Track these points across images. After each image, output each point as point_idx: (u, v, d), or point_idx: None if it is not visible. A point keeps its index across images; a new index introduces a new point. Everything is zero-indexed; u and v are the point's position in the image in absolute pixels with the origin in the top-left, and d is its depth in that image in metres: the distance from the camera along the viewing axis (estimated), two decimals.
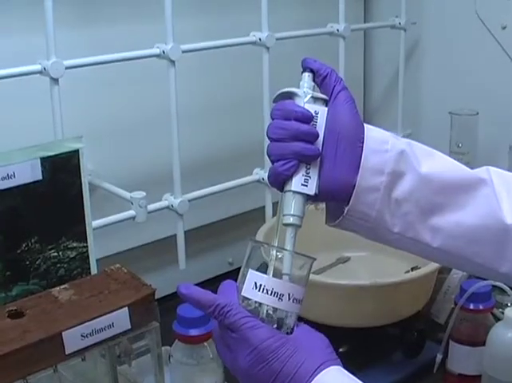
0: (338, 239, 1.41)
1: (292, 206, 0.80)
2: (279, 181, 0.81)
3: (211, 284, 1.44)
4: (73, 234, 1.00)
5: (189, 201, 1.26)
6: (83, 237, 1.01)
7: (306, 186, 0.80)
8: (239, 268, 1.37)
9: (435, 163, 0.84)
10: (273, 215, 1.42)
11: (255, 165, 1.40)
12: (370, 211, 0.82)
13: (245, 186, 1.39)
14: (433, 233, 0.83)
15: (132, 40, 1.20)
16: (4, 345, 0.81)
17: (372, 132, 0.82)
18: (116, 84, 1.25)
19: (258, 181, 1.40)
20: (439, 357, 1.23)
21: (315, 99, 0.83)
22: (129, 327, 0.88)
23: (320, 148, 0.81)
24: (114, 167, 1.26)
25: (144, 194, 1.16)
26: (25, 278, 0.96)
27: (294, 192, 0.80)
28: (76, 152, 0.98)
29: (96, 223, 1.08)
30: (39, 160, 0.95)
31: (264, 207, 1.41)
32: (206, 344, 1.11)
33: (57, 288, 0.91)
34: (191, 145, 1.33)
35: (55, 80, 1.07)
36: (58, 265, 0.99)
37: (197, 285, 1.24)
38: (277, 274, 0.77)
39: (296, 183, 0.80)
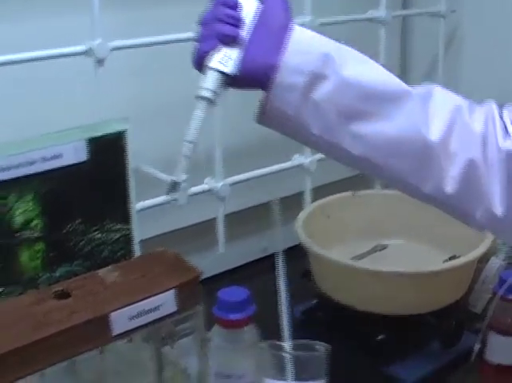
0: (375, 227, 1.41)
1: (207, 80, 0.81)
2: (200, 60, 0.83)
3: (247, 269, 1.45)
4: (117, 215, 0.99)
5: (230, 185, 1.24)
6: (126, 219, 0.99)
7: (225, 65, 0.81)
8: (273, 254, 1.36)
9: (363, 70, 0.81)
10: (313, 201, 1.41)
11: (295, 151, 1.38)
12: (288, 109, 0.81)
13: (284, 171, 1.38)
14: (353, 139, 0.82)
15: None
16: (51, 325, 0.79)
17: (299, 32, 0.82)
18: (158, 66, 1.23)
19: (298, 167, 1.38)
20: (477, 346, 1.20)
21: None
22: (175, 310, 0.87)
23: (244, 33, 0.82)
24: (155, 150, 1.24)
25: (186, 177, 1.14)
26: (68, 260, 0.95)
27: (212, 68, 0.81)
28: (122, 133, 0.97)
29: (138, 205, 1.07)
30: (85, 141, 0.94)
31: (303, 192, 1.40)
32: (245, 329, 1.10)
33: (103, 269, 0.90)
34: (233, 130, 1.31)
35: (100, 61, 1.05)
36: (102, 246, 0.98)
37: (233, 270, 1.24)
38: None
39: (214, 60, 0.81)
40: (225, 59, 0.81)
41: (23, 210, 0.91)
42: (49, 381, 0.80)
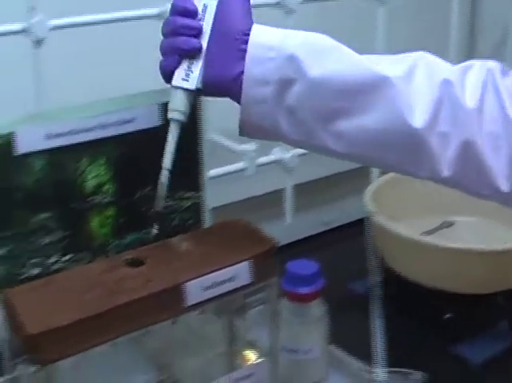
0: (442, 203, 1.37)
1: (173, 100, 0.80)
2: (165, 77, 0.80)
3: (308, 243, 1.41)
4: (188, 183, 0.96)
5: (298, 156, 1.21)
6: (198, 187, 0.97)
7: (187, 81, 0.79)
8: (334, 229, 1.32)
9: (330, 65, 0.75)
10: (381, 174, 1.37)
11: None
12: (263, 122, 0.77)
13: None
14: (335, 139, 0.77)
15: None
16: (126, 293, 0.77)
17: (258, 37, 0.77)
18: None
19: None
20: None
21: None
22: (249, 281, 0.84)
23: (205, 44, 0.78)
24: (224, 119, 1.21)
25: (255, 147, 1.11)
26: (138, 227, 0.93)
27: (175, 87, 0.79)
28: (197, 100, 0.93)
29: (208, 173, 1.04)
30: (158, 106, 0.91)
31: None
32: (313, 303, 1.07)
33: (175, 238, 0.87)
34: None
35: None
36: (172, 214, 0.96)
37: (299, 241, 1.21)
38: None
39: (176, 78, 0.79)
40: (187, 74, 0.79)
41: (95, 174, 0.89)
42: (118, 350, 0.78)
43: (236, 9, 0.78)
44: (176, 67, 0.79)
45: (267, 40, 0.76)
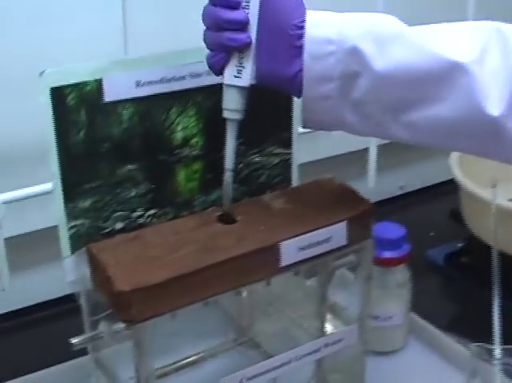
0: None
1: (227, 99, 0.75)
2: (215, 72, 0.75)
3: (388, 205, 1.37)
4: (278, 139, 0.91)
5: None
6: (287, 143, 0.92)
7: (240, 77, 0.73)
8: (414, 192, 1.27)
9: (395, 54, 0.68)
10: None
11: None
12: (328, 117, 0.72)
13: None
14: (405, 129, 0.71)
15: None
16: (219, 251, 0.73)
17: (314, 30, 0.70)
18: None
19: None
20: None
21: None
22: (345, 243, 0.80)
23: (254, 35, 0.71)
24: None
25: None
26: None
27: (227, 85, 0.74)
28: None
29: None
30: None
31: None
32: (397, 268, 1.03)
33: (268, 195, 0.83)
34: None
35: None
36: (260, 171, 0.91)
37: (378, 203, 1.15)
38: None
39: (228, 76, 0.74)
40: (239, 70, 0.74)
41: (184, 126, 0.85)
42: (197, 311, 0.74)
43: None
44: (226, 63, 0.74)
45: (325, 32, 0.70)
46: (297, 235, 0.76)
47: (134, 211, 0.84)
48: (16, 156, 1.02)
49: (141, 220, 0.85)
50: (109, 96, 0.79)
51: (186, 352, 0.95)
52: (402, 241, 1.02)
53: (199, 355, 0.95)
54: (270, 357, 0.81)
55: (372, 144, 1.19)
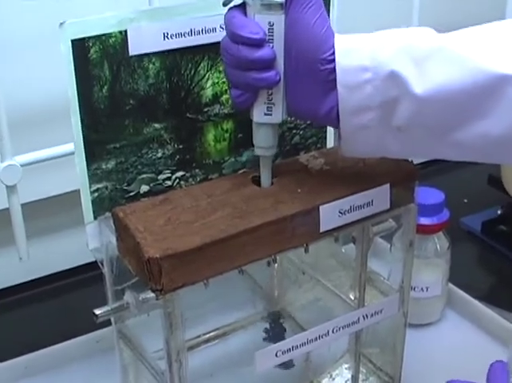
0: None
1: (258, 137, 0.70)
2: (241, 111, 0.70)
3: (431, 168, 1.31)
4: None
5: None
6: None
7: (271, 115, 0.68)
8: None
9: (436, 74, 0.62)
10: None
11: None
12: (369, 147, 0.67)
13: None
14: (453, 149, 0.65)
15: None
16: (256, 215, 0.68)
17: (347, 60, 0.64)
18: None
19: None
20: None
21: (269, 5, 0.64)
22: (388, 207, 0.74)
23: (281, 69, 0.65)
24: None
25: None
26: None
27: (258, 124, 0.69)
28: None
29: None
30: None
31: None
32: (436, 236, 0.98)
33: (305, 155, 0.78)
34: None
35: None
36: (294, 131, 0.86)
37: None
38: None
39: (258, 114, 0.69)
40: (269, 107, 0.68)
41: (214, 81, 0.79)
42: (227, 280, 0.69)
43: (310, 25, 0.64)
44: (254, 102, 0.68)
45: (358, 60, 0.64)
46: (337, 199, 0.71)
47: (160, 173, 0.79)
48: (34, 116, 0.98)
49: (168, 183, 0.80)
50: (134, 49, 0.74)
51: (214, 323, 0.91)
52: (441, 207, 0.97)
53: (229, 326, 0.92)
54: (302, 329, 0.77)
55: None
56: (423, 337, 0.98)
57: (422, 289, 0.99)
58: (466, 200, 1.25)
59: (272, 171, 0.72)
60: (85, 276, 1.05)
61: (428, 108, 0.63)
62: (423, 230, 0.95)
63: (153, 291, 0.65)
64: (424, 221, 0.96)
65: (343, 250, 0.87)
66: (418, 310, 0.98)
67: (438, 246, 0.98)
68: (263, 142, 0.70)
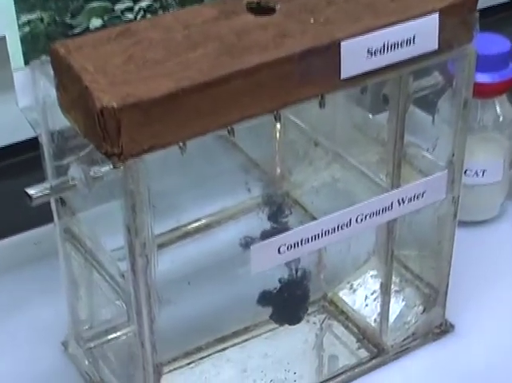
0: None
1: None
2: None
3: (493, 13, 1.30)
4: None
5: None
6: None
7: None
8: None
9: None
10: None
11: None
12: None
13: None
14: None
15: None
16: (252, 53, 0.66)
17: None
18: None
19: None
20: None
21: None
22: (435, 47, 0.73)
23: None
24: None
25: None
26: None
27: None
28: None
29: None
30: None
31: None
32: (497, 100, 0.97)
33: None
34: None
35: None
36: None
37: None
38: None
39: None
40: None
41: None
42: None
43: None
44: None
45: None
46: (365, 32, 0.69)
47: (118, 0, 0.78)
48: None
49: (129, 16, 0.80)
50: None
51: (194, 213, 0.92)
52: (506, 59, 0.96)
53: (214, 217, 0.92)
54: (314, 219, 0.77)
55: None
56: (477, 238, 1.00)
57: (476, 173, 0.99)
58: None
59: None
60: (19, 159, 1.04)
61: None
62: (480, 91, 0.93)
63: (108, 157, 0.63)
64: (482, 78, 0.95)
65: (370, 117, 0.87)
66: (470, 202, 0.99)
67: (500, 116, 0.98)
68: None
